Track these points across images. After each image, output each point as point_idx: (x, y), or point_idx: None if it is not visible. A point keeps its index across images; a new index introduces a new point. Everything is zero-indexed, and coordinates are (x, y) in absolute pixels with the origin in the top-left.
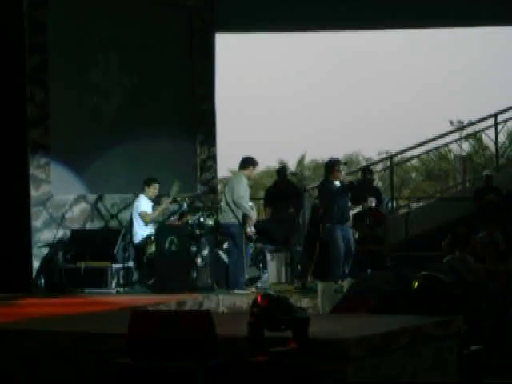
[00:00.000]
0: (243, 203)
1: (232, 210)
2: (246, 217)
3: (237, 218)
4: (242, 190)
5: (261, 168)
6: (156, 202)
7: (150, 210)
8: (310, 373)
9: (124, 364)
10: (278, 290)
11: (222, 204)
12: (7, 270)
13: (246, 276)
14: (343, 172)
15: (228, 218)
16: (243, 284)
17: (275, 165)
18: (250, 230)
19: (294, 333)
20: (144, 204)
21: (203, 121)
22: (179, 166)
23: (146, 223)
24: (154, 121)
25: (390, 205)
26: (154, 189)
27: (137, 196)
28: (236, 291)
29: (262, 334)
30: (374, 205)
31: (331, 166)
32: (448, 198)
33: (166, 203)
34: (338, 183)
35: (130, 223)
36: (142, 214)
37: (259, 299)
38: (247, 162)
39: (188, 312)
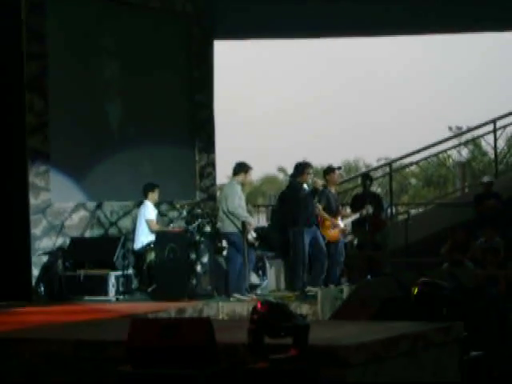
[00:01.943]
0: (239, 212)
1: (229, 219)
2: (245, 224)
3: (235, 226)
4: (236, 200)
5: (260, 174)
6: (158, 207)
7: (155, 217)
8: (310, 380)
9: (124, 372)
10: (277, 296)
11: (220, 213)
12: (7, 278)
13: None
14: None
15: (226, 226)
16: (244, 290)
17: (274, 171)
18: (251, 235)
19: (294, 339)
20: (150, 211)
21: (202, 128)
22: (178, 173)
23: (152, 231)
24: (152, 128)
25: (389, 211)
26: (156, 194)
27: (141, 202)
28: (236, 295)
29: (261, 341)
30: (370, 212)
31: (301, 168)
32: (447, 204)
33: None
34: (306, 186)
35: (133, 229)
36: (150, 222)
37: (259, 306)
38: (239, 169)
39: (188, 319)
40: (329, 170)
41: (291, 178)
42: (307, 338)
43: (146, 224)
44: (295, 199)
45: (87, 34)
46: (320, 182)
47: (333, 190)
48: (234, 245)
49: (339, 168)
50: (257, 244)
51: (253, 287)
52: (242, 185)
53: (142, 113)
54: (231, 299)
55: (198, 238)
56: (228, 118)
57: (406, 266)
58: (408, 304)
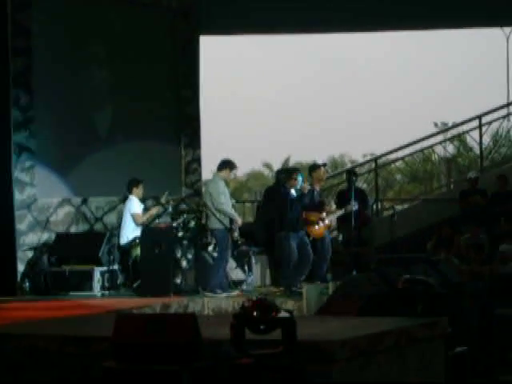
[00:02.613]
0: (225, 209)
1: (215, 216)
2: (232, 220)
3: (221, 222)
4: (222, 197)
5: (245, 170)
6: (143, 202)
7: (141, 211)
8: (295, 375)
9: (109, 367)
10: (263, 292)
11: (206, 209)
12: None
13: (227, 279)
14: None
15: (212, 223)
16: (216, 288)
17: (260, 167)
18: (236, 233)
19: (282, 335)
20: (136, 205)
21: (188, 123)
22: (164, 169)
23: (138, 224)
24: (138, 123)
25: (374, 207)
26: (141, 189)
27: (126, 197)
28: (206, 293)
29: (242, 336)
30: (356, 208)
31: (290, 173)
32: (433, 200)
33: (155, 210)
34: (293, 191)
35: (118, 225)
36: (135, 216)
37: (246, 302)
38: (224, 165)
39: (173, 315)
40: (314, 167)
41: (277, 175)
42: (295, 333)
43: (131, 219)
44: (281, 203)
45: (73, 29)
46: (307, 188)
47: (317, 187)
48: (217, 241)
49: (324, 165)
50: (240, 242)
51: (238, 283)
52: (225, 181)
53: (128, 108)
54: (206, 294)
55: (183, 233)
56: (214, 113)
57: (391, 262)
58: (393, 300)
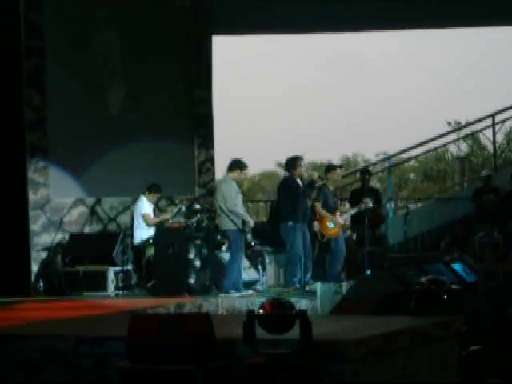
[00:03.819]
0: (239, 211)
1: (227, 216)
2: (244, 222)
3: (234, 223)
4: (235, 198)
5: (259, 170)
6: (156, 205)
7: (151, 211)
8: (309, 374)
9: (124, 367)
10: (276, 291)
11: (218, 210)
12: (6, 273)
13: (244, 278)
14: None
15: (224, 223)
16: (230, 288)
17: (273, 167)
18: (250, 235)
19: (300, 333)
20: (146, 206)
21: (201, 123)
22: (177, 169)
23: (149, 225)
24: (151, 124)
25: (388, 206)
26: (153, 196)
27: (137, 197)
28: (223, 295)
29: (253, 334)
30: (370, 205)
31: (293, 163)
32: (446, 199)
33: (168, 215)
34: (299, 181)
35: (131, 224)
36: (146, 216)
37: (265, 303)
38: (235, 165)
39: (187, 314)
40: (330, 168)
41: (286, 173)
42: (311, 332)
43: (142, 219)
44: (288, 194)
45: (85, 28)
46: (316, 175)
47: (331, 187)
48: (230, 242)
49: (341, 166)
50: (254, 243)
51: (252, 282)
52: (237, 182)
53: (140, 108)
54: (221, 295)
55: (196, 233)
56: (227, 113)
57: (405, 261)
58: (407, 299)
